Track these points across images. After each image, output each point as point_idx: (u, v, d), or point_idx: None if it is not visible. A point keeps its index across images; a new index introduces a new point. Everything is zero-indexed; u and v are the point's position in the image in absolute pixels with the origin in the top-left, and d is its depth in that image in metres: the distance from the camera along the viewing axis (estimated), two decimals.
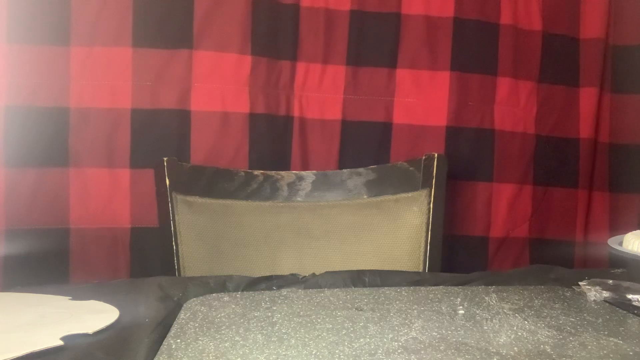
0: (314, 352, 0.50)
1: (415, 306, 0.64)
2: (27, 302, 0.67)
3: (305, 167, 1.16)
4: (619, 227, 1.24)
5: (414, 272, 0.87)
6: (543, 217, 1.27)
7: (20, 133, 1.05)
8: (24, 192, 1.06)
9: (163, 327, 0.58)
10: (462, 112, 1.21)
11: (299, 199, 1.08)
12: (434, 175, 1.06)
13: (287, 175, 1.10)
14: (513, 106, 1.24)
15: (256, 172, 1.09)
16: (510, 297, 0.68)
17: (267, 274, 0.75)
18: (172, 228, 1.00)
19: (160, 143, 1.10)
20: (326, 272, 0.76)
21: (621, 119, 1.27)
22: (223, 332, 0.55)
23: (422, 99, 1.20)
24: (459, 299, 0.67)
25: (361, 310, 0.62)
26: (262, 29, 1.13)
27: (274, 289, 0.72)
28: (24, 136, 1.05)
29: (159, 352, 0.51)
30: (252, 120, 1.13)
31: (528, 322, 0.59)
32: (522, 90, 1.24)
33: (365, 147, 1.19)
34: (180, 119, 1.11)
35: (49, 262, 1.07)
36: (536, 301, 0.66)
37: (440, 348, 0.51)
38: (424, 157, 1.08)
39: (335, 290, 0.71)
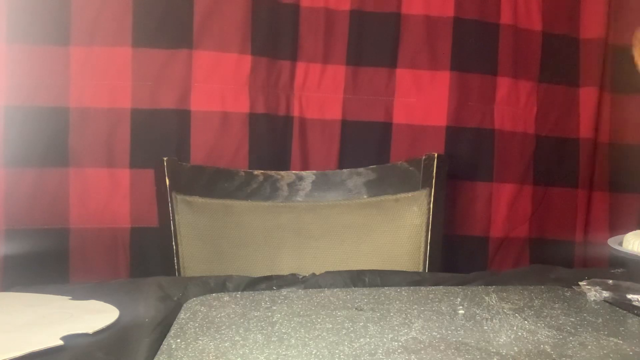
0: (314, 352, 0.50)
1: (415, 306, 0.64)
2: (27, 302, 0.67)
3: (305, 167, 1.16)
4: (619, 227, 1.24)
5: (414, 272, 0.87)
6: (543, 217, 1.27)
7: (20, 133, 1.05)
8: (24, 192, 1.06)
9: (163, 327, 0.58)
10: (462, 112, 1.21)
11: (299, 199, 1.08)
12: (434, 175, 1.06)
13: (287, 175, 1.10)
14: (513, 106, 1.24)
15: (256, 172, 1.09)
16: (510, 297, 0.68)
17: (267, 274, 0.75)
18: (172, 228, 1.00)
19: (160, 143, 1.10)
20: (326, 272, 0.76)
21: (621, 119, 1.27)
22: (223, 332, 0.55)
23: (422, 98, 1.20)
24: (459, 299, 0.67)
25: (361, 310, 0.62)
26: (262, 29, 1.13)
27: (274, 289, 0.72)
28: (24, 136, 1.05)
29: (159, 352, 0.51)
30: (252, 120, 1.13)
31: (528, 322, 0.59)
32: (522, 90, 1.24)
33: (365, 147, 1.19)
34: (180, 118, 1.11)
35: (49, 262, 1.07)
36: (536, 301, 0.66)
37: (440, 348, 0.51)
38: (424, 157, 1.08)
39: (335, 290, 0.71)
